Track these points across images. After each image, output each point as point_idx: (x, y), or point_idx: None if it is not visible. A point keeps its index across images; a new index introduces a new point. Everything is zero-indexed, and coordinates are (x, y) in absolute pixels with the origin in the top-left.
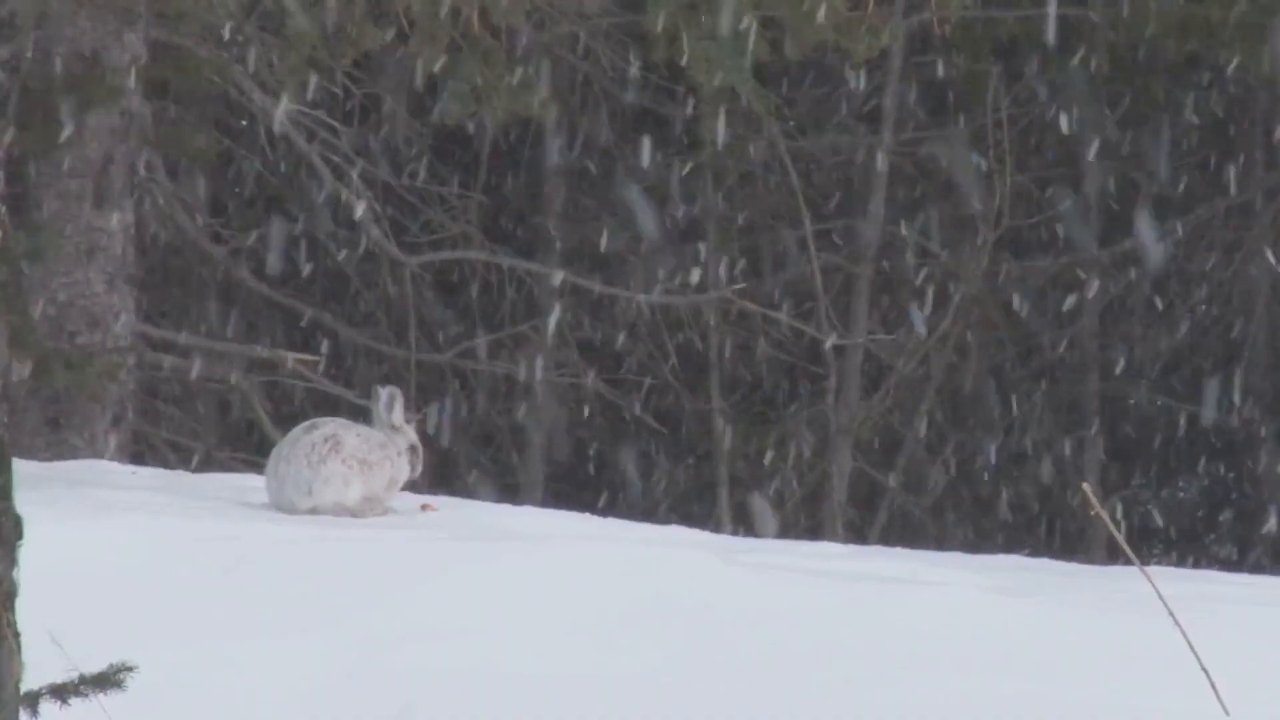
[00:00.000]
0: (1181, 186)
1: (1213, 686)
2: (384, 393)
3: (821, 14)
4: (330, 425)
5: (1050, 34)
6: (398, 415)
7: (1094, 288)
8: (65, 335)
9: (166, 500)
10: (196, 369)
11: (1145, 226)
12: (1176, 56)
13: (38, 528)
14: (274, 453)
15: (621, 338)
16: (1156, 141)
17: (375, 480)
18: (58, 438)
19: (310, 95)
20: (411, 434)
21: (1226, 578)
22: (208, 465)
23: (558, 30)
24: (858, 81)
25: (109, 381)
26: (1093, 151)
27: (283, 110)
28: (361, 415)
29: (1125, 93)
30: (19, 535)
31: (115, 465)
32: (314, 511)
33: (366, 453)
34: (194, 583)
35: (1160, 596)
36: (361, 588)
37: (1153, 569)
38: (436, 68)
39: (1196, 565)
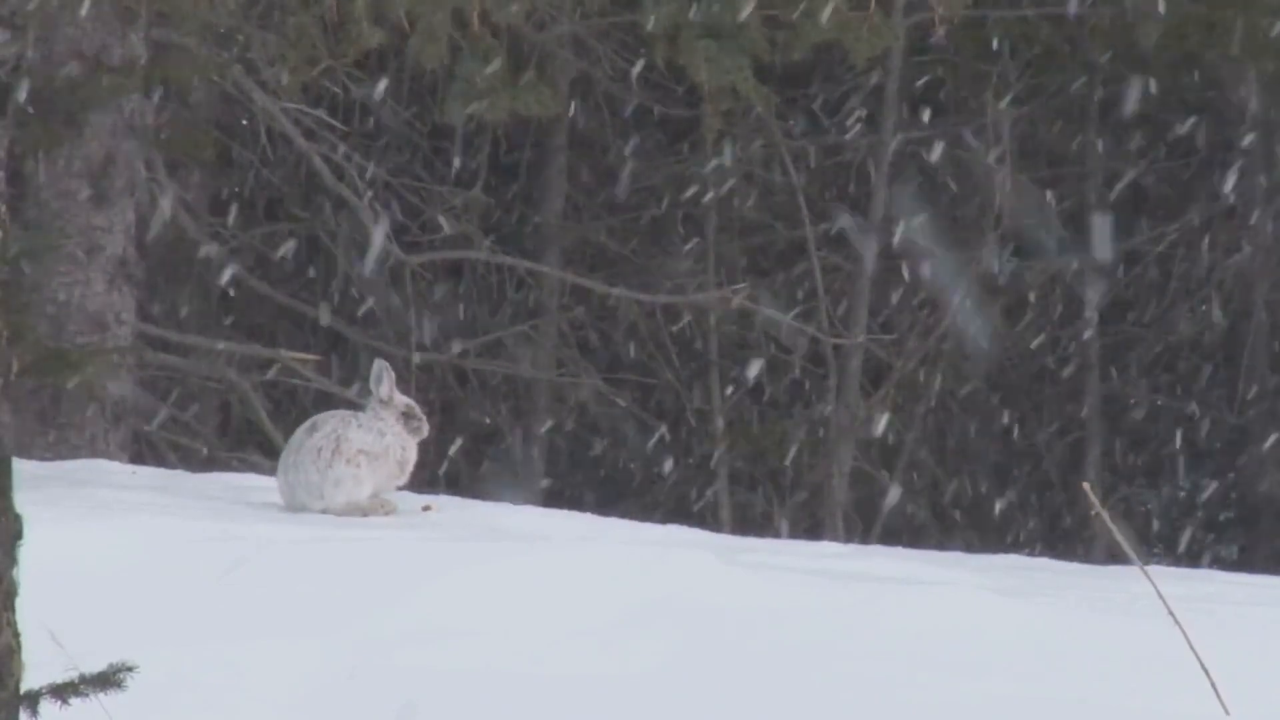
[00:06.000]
0: (1182, 186)
1: (1213, 686)
2: (373, 366)
3: (823, 14)
4: (330, 422)
5: (1050, 34)
6: (385, 389)
7: (1094, 288)
8: (65, 335)
9: (166, 500)
10: (197, 369)
11: (1145, 226)
12: (1176, 55)
13: (38, 528)
14: (281, 460)
15: (621, 338)
16: (1157, 140)
17: (383, 469)
18: (58, 438)
19: (310, 95)
20: (401, 401)
21: (1226, 578)
22: (208, 465)
23: (558, 30)
24: (858, 81)
25: (109, 381)
26: (1093, 151)
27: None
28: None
29: (1125, 92)
30: (19, 535)
31: (115, 465)
32: (326, 511)
33: (370, 444)
34: (194, 583)
35: (1160, 596)
36: (362, 588)
37: (1153, 569)
38: (437, 67)
39: (1196, 565)
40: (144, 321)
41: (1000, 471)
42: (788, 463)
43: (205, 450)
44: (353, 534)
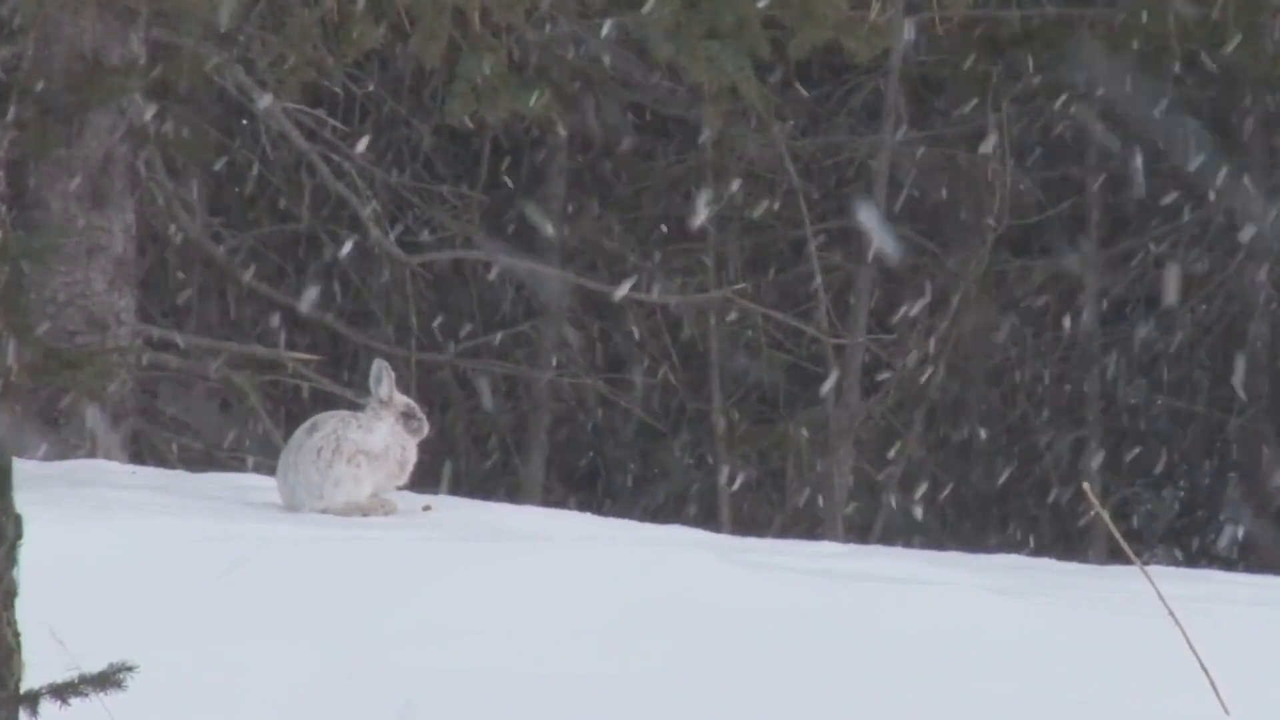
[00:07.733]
0: (1182, 185)
1: (1213, 686)
2: (373, 367)
3: (824, 13)
4: (330, 423)
5: (1050, 33)
6: (385, 389)
7: (1094, 288)
8: (65, 335)
9: (166, 500)
10: (197, 369)
11: (1145, 225)
12: (1177, 54)
13: (38, 527)
14: (281, 459)
15: (621, 338)
16: (1157, 140)
17: (383, 469)
18: (58, 438)
19: (310, 94)
20: (401, 401)
21: (1226, 578)
22: (208, 465)
23: (558, 30)
24: (858, 81)
25: (109, 381)
26: (1093, 151)
27: (269, 103)
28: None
29: (1125, 91)
30: (19, 534)
31: (115, 465)
32: (326, 511)
33: (370, 444)
34: (194, 583)
35: (1160, 596)
36: (362, 588)
37: (1153, 569)
38: (437, 67)
39: (1196, 565)
40: (144, 321)
41: (1000, 471)
42: (788, 463)
43: (205, 450)
44: (353, 534)
